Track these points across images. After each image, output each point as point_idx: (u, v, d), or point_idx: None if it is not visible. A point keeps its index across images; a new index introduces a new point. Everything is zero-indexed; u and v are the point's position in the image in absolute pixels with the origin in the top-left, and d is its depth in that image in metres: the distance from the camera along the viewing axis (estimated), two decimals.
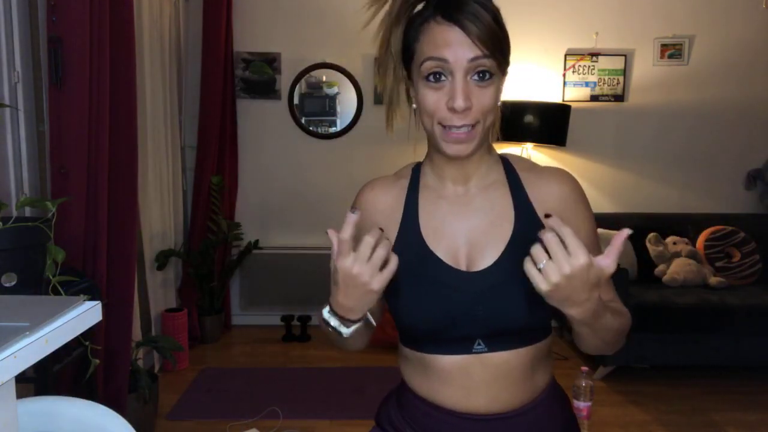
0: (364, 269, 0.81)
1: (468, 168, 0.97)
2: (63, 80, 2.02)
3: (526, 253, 0.86)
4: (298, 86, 3.91)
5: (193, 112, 3.70)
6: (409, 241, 0.96)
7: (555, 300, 0.78)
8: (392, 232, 0.98)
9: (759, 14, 3.81)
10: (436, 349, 0.94)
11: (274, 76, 3.88)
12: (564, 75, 3.89)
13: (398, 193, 1.01)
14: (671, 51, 3.86)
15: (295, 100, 3.92)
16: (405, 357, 1.02)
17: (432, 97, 0.89)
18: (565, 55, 3.87)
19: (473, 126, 0.89)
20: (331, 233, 0.82)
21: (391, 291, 0.96)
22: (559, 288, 0.76)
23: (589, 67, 3.87)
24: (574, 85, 3.89)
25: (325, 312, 0.89)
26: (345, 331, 0.87)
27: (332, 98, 3.97)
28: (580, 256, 0.75)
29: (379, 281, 0.82)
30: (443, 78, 0.88)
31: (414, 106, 0.95)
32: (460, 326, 0.92)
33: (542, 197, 0.96)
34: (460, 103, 0.85)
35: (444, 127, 0.89)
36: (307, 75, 3.91)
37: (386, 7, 0.92)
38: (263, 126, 3.93)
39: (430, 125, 0.91)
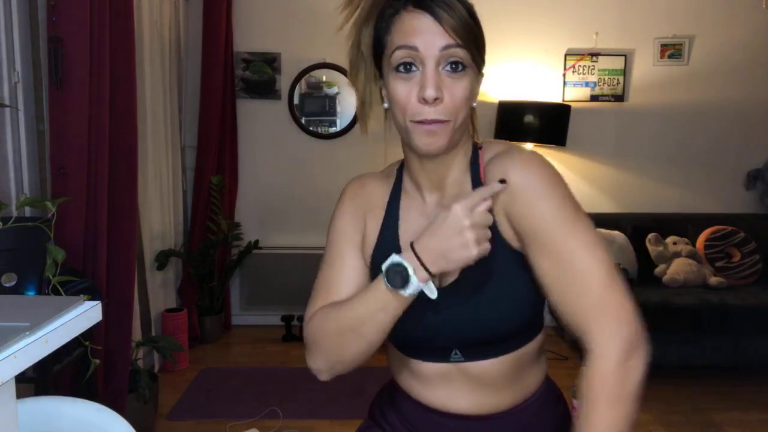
0: (478, 226, 0.80)
1: (443, 174, 0.92)
2: (63, 80, 2.02)
3: (488, 264, 0.84)
4: (298, 86, 3.91)
5: (193, 112, 3.70)
6: (387, 250, 0.92)
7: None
8: (374, 234, 0.97)
9: (759, 14, 3.80)
10: (417, 355, 0.94)
11: (274, 76, 3.87)
12: (564, 75, 3.88)
13: (384, 193, 0.99)
14: (671, 51, 3.86)
15: (295, 100, 3.92)
16: (391, 353, 1.02)
17: (402, 89, 0.84)
18: (565, 55, 3.87)
19: (445, 123, 0.84)
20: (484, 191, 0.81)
21: None
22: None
23: (589, 67, 3.87)
24: (574, 85, 3.89)
25: (396, 256, 0.82)
26: (414, 282, 0.80)
27: (332, 98, 3.97)
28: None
29: (484, 247, 0.80)
30: (414, 68, 0.83)
31: (386, 105, 0.90)
32: (435, 338, 0.91)
33: (502, 192, 0.89)
34: (431, 92, 0.81)
35: (415, 122, 0.85)
36: (307, 75, 3.91)
37: (359, 9, 0.89)
38: (263, 126, 3.93)
39: (402, 120, 0.86)
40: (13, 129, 2.14)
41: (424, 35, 0.82)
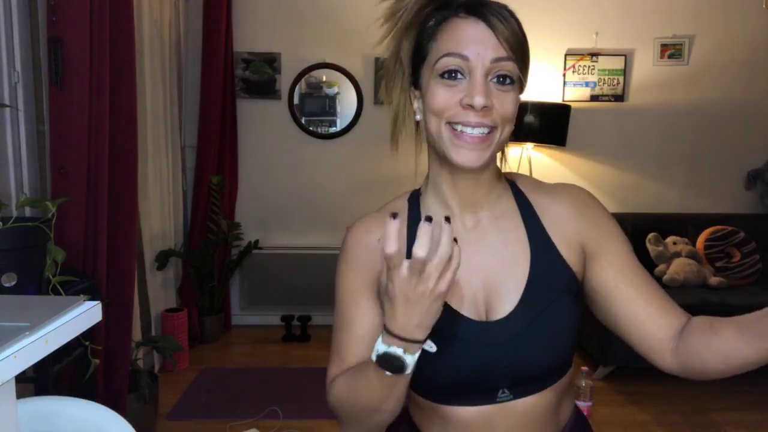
0: (424, 276, 0.67)
1: (477, 194, 0.86)
2: (63, 80, 2.02)
3: (546, 292, 0.81)
4: (298, 86, 3.91)
5: (193, 112, 3.70)
6: None
7: None
8: None
9: (759, 14, 3.80)
10: (456, 401, 0.84)
11: (274, 76, 3.87)
12: (564, 75, 3.88)
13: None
14: (671, 51, 3.86)
15: (295, 100, 3.92)
16: (416, 403, 0.91)
17: (443, 95, 0.78)
18: (565, 55, 3.87)
19: (490, 131, 0.79)
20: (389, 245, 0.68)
21: None
22: None
23: (589, 67, 3.87)
24: (574, 85, 3.89)
25: (380, 346, 0.72)
26: (410, 359, 0.72)
27: (332, 98, 3.97)
28: None
29: (445, 281, 0.68)
30: (460, 76, 0.78)
31: (418, 117, 0.85)
32: (483, 379, 0.82)
33: (558, 220, 0.87)
34: (479, 100, 0.75)
35: (454, 130, 0.78)
36: (307, 75, 3.91)
37: (400, 22, 0.83)
38: (263, 126, 3.93)
39: (436, 128, 0.80)
40: (13, 129, 2.14)
41: (477, 44, 0.77)
